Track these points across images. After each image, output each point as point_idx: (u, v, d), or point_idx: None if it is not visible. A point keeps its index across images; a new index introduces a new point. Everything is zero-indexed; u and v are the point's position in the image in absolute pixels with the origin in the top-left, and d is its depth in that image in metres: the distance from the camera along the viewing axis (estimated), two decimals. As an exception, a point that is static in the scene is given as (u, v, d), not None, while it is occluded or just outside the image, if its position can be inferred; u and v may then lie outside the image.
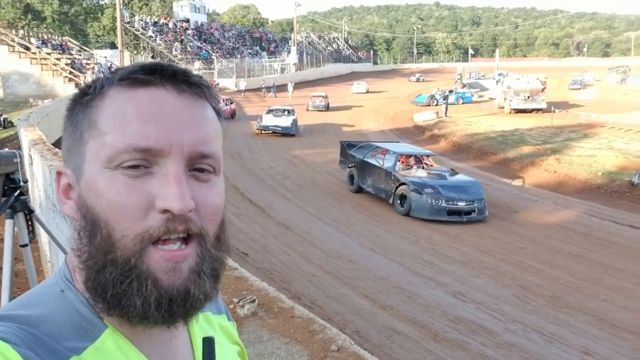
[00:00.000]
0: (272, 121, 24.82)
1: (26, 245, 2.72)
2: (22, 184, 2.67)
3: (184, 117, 0.63)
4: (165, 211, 0.60)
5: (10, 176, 2.60)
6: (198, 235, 0.63)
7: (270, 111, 26.26)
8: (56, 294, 0.65)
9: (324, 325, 3.81)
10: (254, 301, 4.19)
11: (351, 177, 15.45)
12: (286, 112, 26.03)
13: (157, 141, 0.61)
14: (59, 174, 0.69)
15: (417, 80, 59.77)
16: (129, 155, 0.60)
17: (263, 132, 24.71)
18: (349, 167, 15.71)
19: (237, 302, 4.18)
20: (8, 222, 2.63)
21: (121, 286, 0.60)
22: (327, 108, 34.36)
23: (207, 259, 0.65)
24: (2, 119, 24.00)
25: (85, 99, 0.66)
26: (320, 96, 35.58)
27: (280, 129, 24.33)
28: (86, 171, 0.63)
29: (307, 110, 33.33)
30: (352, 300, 7.82)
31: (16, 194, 2.62)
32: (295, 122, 25.11)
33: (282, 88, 43.66)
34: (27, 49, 32.84)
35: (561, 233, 11.94)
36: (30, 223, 2.71)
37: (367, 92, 47.01)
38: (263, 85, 42.75)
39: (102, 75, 0.68)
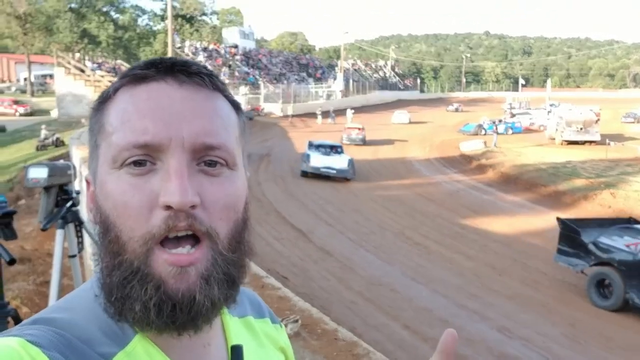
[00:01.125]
0: (324, 161, 20.42)
1: (75, 256, 2.74)
2: (74, 195, 2.70)
3: (185, 108, 0.61)
4: (167, 207, 0.57)
5: (63, 187, 2.65)
6: (207, 236, 0.60)
7: (315, 147, 21.87)
8: (90, 298, 0.64)
9: (368, 349, 3.65)
10: (297, 321, 4.12)
11: (604, 285, 9.48)
12: (335, 149, 22.03)
13: (155, 135, 0.59)
14: (87, 182, 0.68)
15: (456, 110, 58.29)
16: (129, 152, 0.59)
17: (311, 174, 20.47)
18: (593, 265, 9.78)
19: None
20: (59, 232, 2.66)
21: (124, 290, 0.58)
22: (364, 142, 30.32)
23: (220, 262, 0.61)
24: (54, 138, 25.03)
25: (97, 103, 0.66)
26: (356, 128, 31.67)
27: (334, 171, 20.01)
28: (98, 174, 0.63)
29: (341, 143, 27.37)
30: (392, 331, 7.57)
31: (68, 204, 2.64)
32: (351, 162, 20.88)
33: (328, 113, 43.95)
34: (82, 71, 34.34)
35: (616, 270, 11.33)
36: (80, 234, 2.73)
37: (410, 122, 43.55)
38: (319, 112, 42.28)
39: None
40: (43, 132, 26.21)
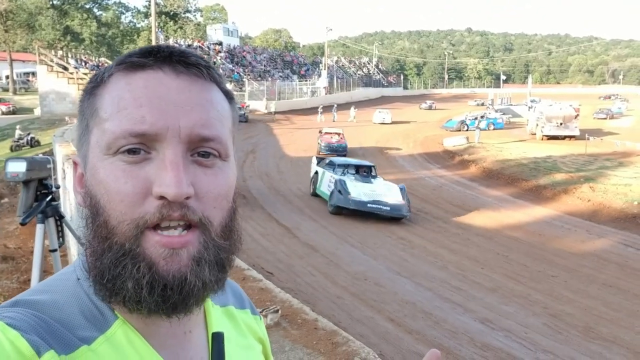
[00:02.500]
0: (369, 193, 14.81)
1: (55, 250, 2.75)
2: (54, 189, 2.71)
3: (181, 99, 0.61)
4: (161, 197, 0.58)
5: (43, 181, 2.64)
6: (200, 224, 0.61)
7: (339, 169, 16.59)
8: (72, 281, 0.65)
9: (347, 337, 3.75)
10: (277, 311, 4.18)
11: None
12: (368, 171, 16.97)
13: (152, 125, 0.59)
14: (74, 164, 0.69)
15: (429, 108, 57.47)
16: (126, 141, 0.59)
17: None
18: None
19: (260, 312, 4.15)
20: (39, 227, 2.66)
21: (115, 270, 0.59)
22: (346, 151, 25.16)
23: (212, 247, 0.62)
24: (29, 138, 24.49)
25: (90, 87, 0.65)
26: (335, 133, 26.43)
27: (388, 208, 14.36)
28: (90, 159, 0.63)
29: (319, 153, 24.06)
30: (377, 324, 7.68)
31: (48, 199, 2.65)
32: (404, 192, 15.15)
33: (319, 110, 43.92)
34: (65, 69, 33.93)
35: (595, 262, 11.58)
36: (60, 229, 2.74)
37: (392, 122, 40.43)
38: (321, 108, 41.80)
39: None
40: (17, 132, 25.71)
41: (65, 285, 0.64)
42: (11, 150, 24.13)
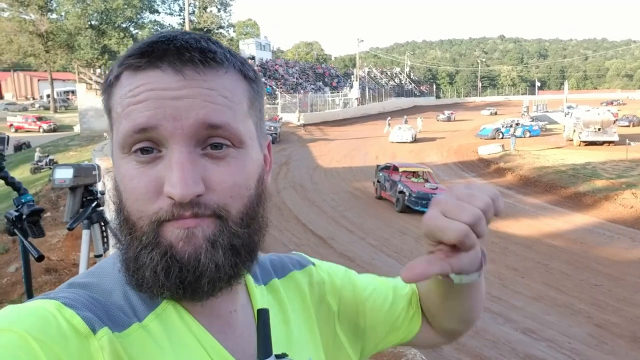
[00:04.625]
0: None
1: (100, 255, 2.80)
2: (99, 195, 2.77)
3: (181, 94, 0.60)
4: (170, 197, 0.59)
5: (88, 188, 2.70)
6: (215, 216, 0.62)
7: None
8: (116, 271, 0.67)
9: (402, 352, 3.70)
10: None
11: None
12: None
13: (150, 118, 0.59)
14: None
15: (448, 119, 53.66)
16: (132, 139, 0.61)
17: None
18: None
19: None
20: (85, 233, 2.72)
21: (137, 262, 0.62)
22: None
23: (226, 232, 0.62)
24: (48, 160, 24.66)
25: (106, 85, 0.66)
26: (421, 174, 18.68)
27: None
28: (114, 156, 0.65)
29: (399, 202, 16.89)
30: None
31: (94, 205, 2.72)
32: None
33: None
34: (104, 86, 34.89)
35: (640, 270, 11.22)
36: (105, 234, 2.80)
37: (414, 140, 34.19)
38: (389, 120, 40.63)
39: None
40: (37, 155, 25.86)
41: (112, 270, 0.67)
42: (31, 172, 24.15)
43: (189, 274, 0.61)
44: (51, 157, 25.84)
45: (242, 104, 0.65)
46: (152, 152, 0.61)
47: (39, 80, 69.65)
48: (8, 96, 69.85)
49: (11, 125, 44.67)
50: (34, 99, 67.72)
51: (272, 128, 34.00)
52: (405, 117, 43.10)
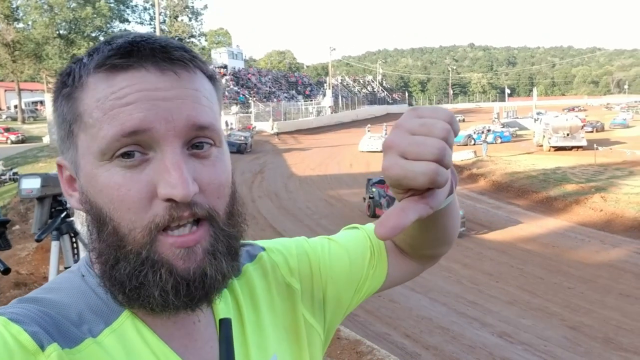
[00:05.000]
0: None
1: (70, 267, 2.71)
2: (68, 205, 2.67)
3: (170, 94, 0.58)
4: (168, 199, 0.57)
5: (57, 198, 2.61)
6: (208, 217, 0.60)
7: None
8: (77, 278, 0.64)
9: (371, 346, 3.69)
10: None
11: None
12: None
13: (142, 121, 0.57)
14: (59, 166, 0.67)
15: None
16: (119, 143, 0.57)
17: None
18: None
19: None
20: (54, 244, 2.62)
21: (137, 280, 0.58)
22: None
23: (221, 237, 0.61)
24: (11, 174, 24.12)
25: (65, 90, 0.62)
26: None
27: None
28: (82, 166, 0.61)
29: None
30: (394, 340, 7.60)
31: (63, 215, 2.62)
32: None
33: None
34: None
35: (611, 272, 11.43)
36: (75, 245, 2.71)
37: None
38: (369, 128, 40.01)
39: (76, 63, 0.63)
40: (0, 168, 25.41)
41: (71, 282, 0.64)
42: None
43: (197, 291, 0.59)
44: (14, 170, 25.14)
45: (216, 105, 0.65)
46: (136, 156, 0.57)
47: (5, 90, 68.03)
48: (-27, 107, 68.18)
49: (-23, 137, 43.56)
50: (0, 109, 66.19)
51: (243, 138, 33.13)
52: (385, 125, 43.08)
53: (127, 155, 0.57)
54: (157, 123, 0.57)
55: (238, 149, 31.02)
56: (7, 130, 44.43)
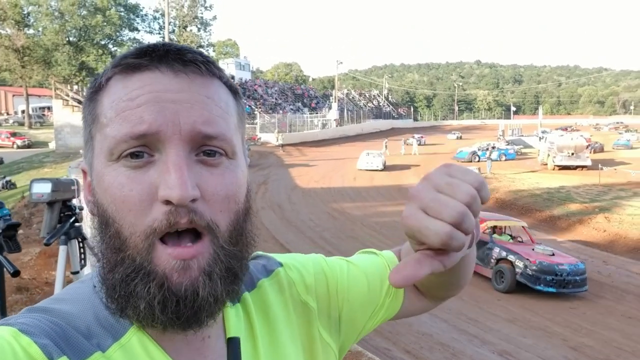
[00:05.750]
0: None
1: (77, 272, 2.73)
2: (77, 211, 2.69)
3: (181, 97, 0.59)
4: (167, 202, 0.56)
5: (67, 203, 2.63)
6: (208, 230, 0.59)
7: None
8: (89, 289, 0.64)
9: (373, 358, 3.68)
10: None
11: None
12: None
13: (151, 124, 0.57)
14: (83, 172, 0.68)
15: (418, 143, 50.03)
16: (127, 144, 0.57)
17: None
18: None
19: None
20: (62, 249, 2.64)
21: (127, 288, 0.57)
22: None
23: (222, 257, 0.60)
24: (5, 181, 24.10)
25: (90, 92, 0.64)
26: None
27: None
28: (95, 166, 0.61)
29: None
30: (394, 355, 7.57)
31: (71, 220, 2.64)
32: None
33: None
34: (80, 103, 34.52)
35: (613, 293, 11.38)
36: (83, 251, 2.72)
37: (384, 169, 30.20)
38: (406, 140, 41.14)
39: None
40: None
41: (81, 293, 0.63)
42: None
43: (186, 309, 0.58)
44: (8, 178, 25.09)
45: (233, 117, 0.64)
46: (144, 157, 0.58)
47: (13, 95, 68.55)
48: (-19, 111, 68.64)
49: (-17, 140, 43.82)
50: (8, 114, 66.55)
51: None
52: (385, 140, 42.95)
53: (134, 156, 0.58)
54: (164, 126, 0.57)
55: None
56: (14, 134, 44.73)
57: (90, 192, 0.65)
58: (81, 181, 0.72)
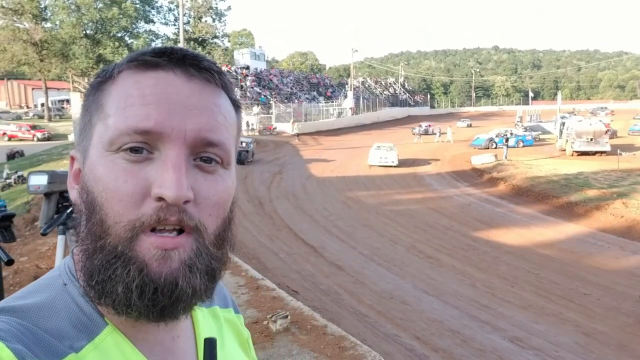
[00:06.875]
0: None
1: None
2: None
3: (191, 102, 0.61)
4: (159, 199, 0.57)
5: (64, 194, 2.69)
6: (194, 230, 0.60)
7: None
8: (59, 286, 0.63)
9: (354, 342, 3.75)
10: (286, 317, 4.24)
11: None
12: None
13: (158, 123, 0.59)
14: (72, 158, 0.69)
15: (426, 133, 48.17)
16: (130, 138, 0.59)
17: None
18: None
19: (269, 318, 4.23)
20: (60, 238, 2.71)
21: (106, 272, 0.58)
22: None
23: (204, 255, 0.61)
24: (17, 176, 24.41)
25: (97, 81, 0.65)
26: None
27: None
28: (90, 154, 0.62)
29: None
30: (403, 342, 7.59)
31: (69, 211, 2.71)
32: None
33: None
34: (99, 95, 35.00)
35: (630, 279, 11.24)
36: (79, 240, 2.79)
37: (397, 164, 27.89)
38: (418, 130, 42.03)
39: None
40: (5, 172, 25.41)
41: (51, 290, 0.62)
42: (1, 189, 23.47)
43: (164, 298, 0.58)
44: (20, 173, 25.42)
45: (233, 128, 0.67)
46: (143, 153, 0.59)
47: (33, 88, 69.54)
48: (1, 105, 69.70)
49: (4, 133, 44.52)
50: (27, 107, 67.55)
51: (243, 144, 27.54)
52: (418, 127, 43.13)
53: (134, 150, 0.59)
54: (169, 128, 0.59)
55: (238, 159, 26.85)
56: (34, 127, 45.40)
57: (76, 180, 0.66)
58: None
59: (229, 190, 0.65)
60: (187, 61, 0.63)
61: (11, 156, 33.83)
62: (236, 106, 0.69)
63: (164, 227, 0.59)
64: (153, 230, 0.59)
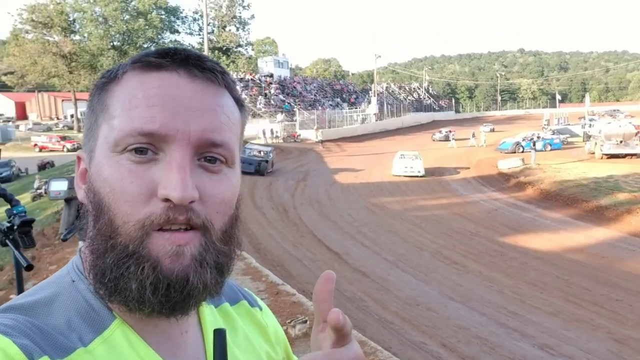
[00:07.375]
0: None
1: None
2: None
3: (194, 102, 0.61)
4: (166, 200, 0.58)
5: None
6: (202, 227, 0.61)
7: None
8: (67, 283, 0.65)
9: (375, 347, 3.70)
10: (305, 322, 4.22)
11: None
12: None
13: (162, 125, 0.59)
14: (78, 159, 0.69)
15: (446, 139, 45.84)
16: (134, 139, 0.59)
17: None
18: None
19: (289, 322, 4.22)
20: (80, 243, 2.74)
21: (119, 270, 0.59)
22: None
23: (212, 250, 0.62)
24: (47, 187, 24.45)
25: (102, 82, 0.66)
26: None
27: None
28: (96, 155, 0.63)
29: None
30: (429, 349, 7.48)
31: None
32: None
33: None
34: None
35: (663, 285, 10.92)
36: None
37: (424, 174, 26.33)
38: (437, 138, 42.28)
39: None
40: (36, 182, 25.51)
41: (59, 287, 0.64)
42: (32, 200, 23.59)
43: (176, 293, 0.59)
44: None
45: (237, 128, 0.68)
46: (148, 154, 0.60)
47: (62, 100, 71.18)
48: (32, 117, 71.53)
49: (35, 145, 45.68)
50: (58, 119, 69.17)
51: (262, 154, 26.58)
52: (472, 132, 42.72)
53: (139, 151, 0.59)
54: (174, 130, 0.59)
55: (257, 169, 25.00)
56: (64, 138, 46.43)
57: (83, 179, 0.67)
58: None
59: (234, 188, 0.66)
60: (191, 62, 0.63)
61: (42, 167, 34.58)
62: (240, 105, 0.70)
63: (170, 227, 0.59)
64: (160, 229, 0.59)
